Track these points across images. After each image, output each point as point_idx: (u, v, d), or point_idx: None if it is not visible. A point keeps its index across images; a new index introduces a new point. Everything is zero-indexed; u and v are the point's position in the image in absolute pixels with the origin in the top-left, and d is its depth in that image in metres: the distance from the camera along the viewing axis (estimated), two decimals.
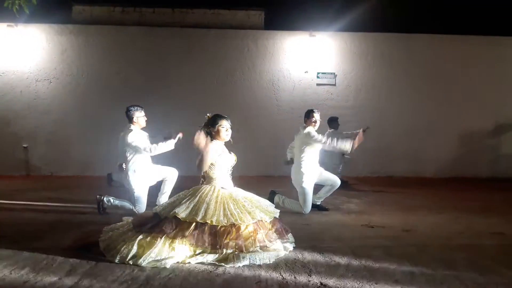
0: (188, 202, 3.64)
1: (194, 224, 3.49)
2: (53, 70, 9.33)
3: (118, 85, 9.34)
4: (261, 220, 3.69)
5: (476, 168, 9.74)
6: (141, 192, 5.16)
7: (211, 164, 3.87)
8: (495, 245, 4.08)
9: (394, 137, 9.68)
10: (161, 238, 3.43)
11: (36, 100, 9.31)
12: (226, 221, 3.51)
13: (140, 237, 3.48)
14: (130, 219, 3.98)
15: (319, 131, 5.67)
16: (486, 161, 9.84)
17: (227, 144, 4.10)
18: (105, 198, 5.16)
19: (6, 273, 3.12)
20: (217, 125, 3.95)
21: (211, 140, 3.93)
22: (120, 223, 4.05)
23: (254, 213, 3.68)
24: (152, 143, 5.24)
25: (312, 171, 5.41)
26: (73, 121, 9.29)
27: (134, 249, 3.38)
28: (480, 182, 8.92)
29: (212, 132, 3.96)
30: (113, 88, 9.34)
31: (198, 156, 3.80)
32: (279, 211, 4.01)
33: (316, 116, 5.47)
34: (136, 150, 5.10)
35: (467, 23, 10.45)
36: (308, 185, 5.36)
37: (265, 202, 4.02)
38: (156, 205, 5.29)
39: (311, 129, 5.40)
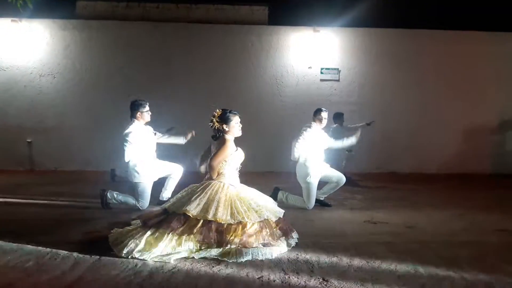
0: (198, 199, 3.63)
1: (202, 221, 3.50)
2: (57, 65, 9.34)
3: (121, 80, 9.34)
4: (267, 219, 3.71)
5: (480, 164, 9.70)
6: (145, 186, 5.15)
7: (223, 160, 3.88)
8: (499, 242, 4.06)
9: (398, 133, 9.65)
10: (168, 234, 3.45)
11: (40, 95, 9.33)
12: (233, 220, 3.53)
13: (148, 233, 3.49)
14: (138, 220, 3.96)
15: (325, 127, 5.79)
16: (490, 157, 9.80)
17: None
18: (108, 193, 5.17)
19: (10, 267, 3.14)
20: (231, 122, 3.93)
21: (224, 135, 3.93)
22: (130, 227, 3.94)
23: (261, 212, 3.70)
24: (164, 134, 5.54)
25: (316, 167, 5.42)
26: (77, 116, 9.31)
27: (142, 244, 3.39)
28: (483, 179, 8.89)
29: (225, 129, 3.94)
30: (116, 83, 9.35)
31: (217, 152, 3.82)
32: (283, 211, 4.02)
33: (323, 115, 5.59)
34: (131, 143, 5.02)
35: (473, 19, 10.37)
36: (312, 181, 5.37)
37: (270, 201, 4.03)
38: (160, 199, 5.37)
39: (306, 129, 5.52)
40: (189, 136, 5.58)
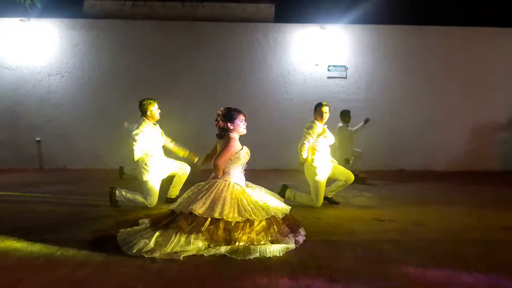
0: (204, 198, 3.65)
1: (209, 219, 3.52)
2: (65, 64, 9.40)
3: (128, 78, 9.39)
4: (274, 216, 3.71)
5: (489, 161, 9.62)
6: (153, 184, 5.17)
7: (228, 159, 3.87)
8: (508, 240, 4.03)
9: (406, 131, 9.60)
10: (176, 234, 3.47)
11: (49, 94, 9.40)
12: (241, 218, 3.54)
13: (157, 233, 3.51)
14: (146, 220, 3.98)
15: (330, 124, 5.73)
16: (499, 154, 9.72)
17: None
18: (117, 191, 5.19)
19: (20, 264, 3.17)
20: (236, 120, 3.92)
21: (229, 134, 3.93)
22: (139, 226, 3.92)
23: (268, 209, 3.71)
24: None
25: (324, 164, 5.40)
26: (85, 115, 9.38)
27: (151, 244, 3.41)
28: (492, 176, 8.81)
29: (230, 127, 3.93)
30: (123, 81, 9.39)
31: (222, 151, 3.82)
32: (290, 207, 4.02)
33: (325, 109, 5.44)
34: (139, 143, 5.05)
35: (482, 15, 10.25)
36: (320, 178, 5.34)
37: (277, 198, 4.03)
38: (167, 197, 5.40)
39: (309, 129, 5.38)
40: (193, 158, 5.40)
